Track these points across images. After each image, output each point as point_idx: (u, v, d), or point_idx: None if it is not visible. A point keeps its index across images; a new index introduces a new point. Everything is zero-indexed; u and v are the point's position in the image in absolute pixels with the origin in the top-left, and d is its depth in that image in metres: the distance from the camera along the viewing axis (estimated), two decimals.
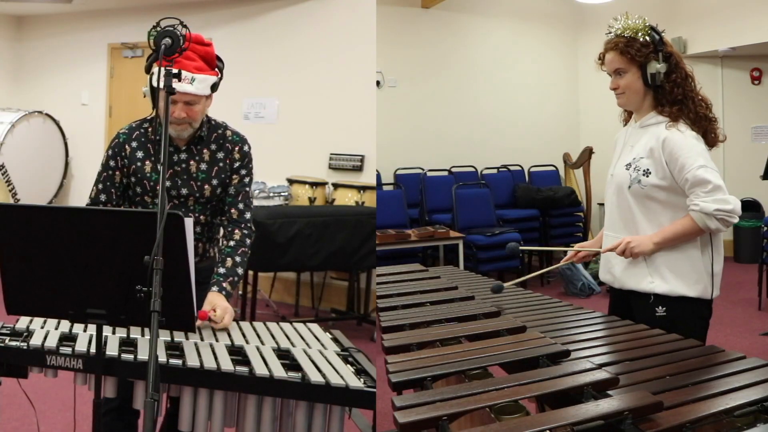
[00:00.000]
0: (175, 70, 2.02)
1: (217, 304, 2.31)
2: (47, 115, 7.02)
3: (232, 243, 2.48)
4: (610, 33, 2.37)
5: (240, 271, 2.45)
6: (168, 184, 2.43)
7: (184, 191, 2.46)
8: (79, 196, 7.24)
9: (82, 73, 7.34)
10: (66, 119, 7.16)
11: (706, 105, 2.32)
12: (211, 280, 2.41)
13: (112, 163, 2.46)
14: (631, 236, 2.31)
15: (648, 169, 2.27)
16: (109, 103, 7.23)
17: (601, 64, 2.42)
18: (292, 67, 6.07)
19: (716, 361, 1.68)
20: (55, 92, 7.45)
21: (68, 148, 7.21)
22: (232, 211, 2.52)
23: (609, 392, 1.48)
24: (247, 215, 2.54)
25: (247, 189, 2.55)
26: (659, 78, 2.28)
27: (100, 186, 2.47)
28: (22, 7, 7.26)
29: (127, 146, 2.45)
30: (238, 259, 2.45)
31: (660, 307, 2.27)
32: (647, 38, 2.29)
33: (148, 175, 2.44)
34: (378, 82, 7.27)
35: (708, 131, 2.30)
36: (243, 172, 2.54)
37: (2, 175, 6.51)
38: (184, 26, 2.12)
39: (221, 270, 2.43)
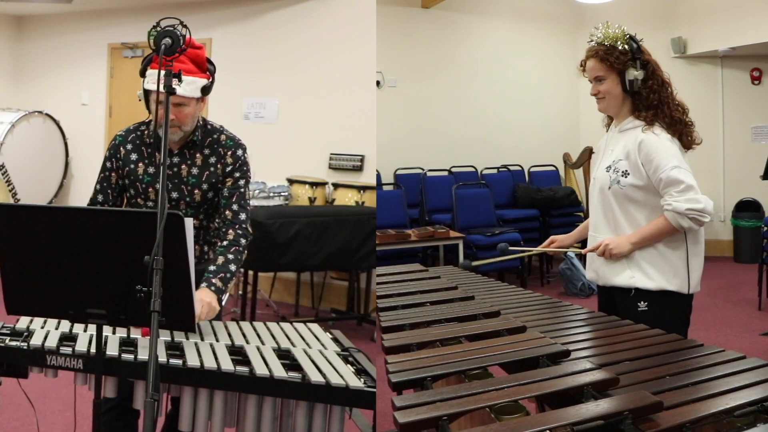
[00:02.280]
0: (174, 71, 2.02)
1: (195, 298, 2.21)
2: (47, 115, 7.01)
3: (225, 243, 2.43)
4: (591, 41, 2.47)
5: (232, 267, 2.38)
6: (158, 186, 2.40)
7: (174, 195, 2.46)
8: (79, 196, 7.24)
9: (82, 73, 7.34)
10: (66, 119, 7.16)
11: (682, 110, 2.41)
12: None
13: (108, 164, 2.49)
14: (609, 238, 2.42)
15: (626, 171, 2.37)
16: (109, 103, 7.23)
17: (582, 71, 2.51)
18: (292, 67, 6.07)
19: (716, 361, 1.68)
20: (55, 92, 7.45)
21: (68, 148, 7.21)
22: (227, 212, 2.47)
23: (609, 392, 1.48)
24: (242, 216, 2.48)
25: (242, 190, 2.50)
26: (637, 84, 2.38)
27: (98, 187, 2.51)
28: (22, 7, 7.26)
29: (122, 148, 2.47)
30: (230, 256, 2.39)
31: (642, 302, 2.36)
32: (626, 46, 2.39)
33: (140, 177, 2.45)
34: (378, 82, 7.27)
35: (683, 134, 2.39)
36: (237, 174, 2.49)
37: (2, 175, 6.51)
38: (184, 26, 2.12)
39: (212, 267, 2.37)
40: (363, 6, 5.68)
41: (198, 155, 2.48)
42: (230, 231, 2.44)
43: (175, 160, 2.46)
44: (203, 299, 2.24)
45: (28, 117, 6.81)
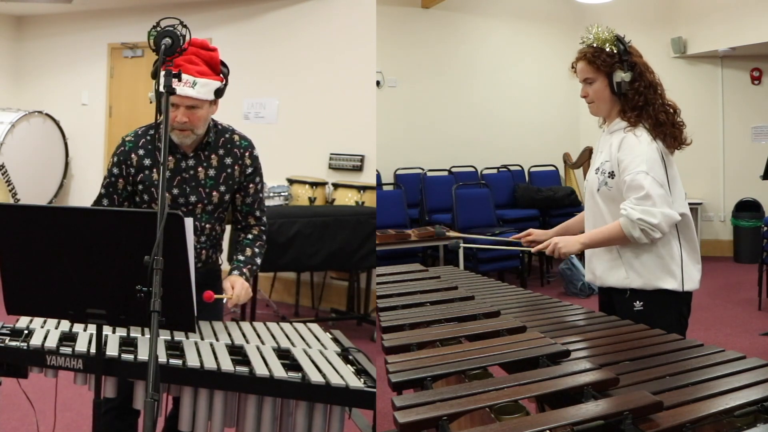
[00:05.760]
0: (174, 71, 2.01)
1: (235, 282, 2.41)
2: (47, 115, 7.01)
3: (250, 236, 2.58)
4: (582, 43, 2.47)
5: (258, 261, 2.55)
6: (176, 191, 2.42)
7: (192, 198, 2.44)
8: (80, 196, 7.23)
9: (82, 73, 7.33)
10: (66, 119, 7.15)
11: (674, 110, 2.40)
12: (231, 266, 2.51)
13: (116, 170, 2.43)
14: (559, 237, 2.47)
15: (612, 172, 2.37)
16: (109, 103, 7.23)
17: (574, 72, 2.52)
18: (292, 67, 6.07)
19: (716, 361, 1.68)
20: (55, 92, 7.44)
21: (68, 148, 7.20)
22: (250, 219, 2.60)
23: (609, 392, 1.48)
24: (264, 218, 2.64)
25: (261, 195, 2.60)
26: (624, 86, 2.38)
27: (103, 191, 2.46)
28: (22, 7, 7.26)
29: (133, 154, 2.42)
30: (256, 250, 2.56)
31: (637, 302, 2.36)
32: (613, 48, 2.39)
33: (156, 183, 2.41)
34: (378, 82, 7.27)
35: (668, 136, 2.36)
36: (257, 179, 2.57)
37: (2, 175, 6.51)
38: (184, 26, 2.11)
39: (241, 257, 2.52)
40: (363, 6, 5.67)
41: (213, 156, 2.47)
42: (255, 227, 2.61)
43: (191, 162, 2.44)
44: (238, 281, 2.41)
45: (28, 117, 6.81)
